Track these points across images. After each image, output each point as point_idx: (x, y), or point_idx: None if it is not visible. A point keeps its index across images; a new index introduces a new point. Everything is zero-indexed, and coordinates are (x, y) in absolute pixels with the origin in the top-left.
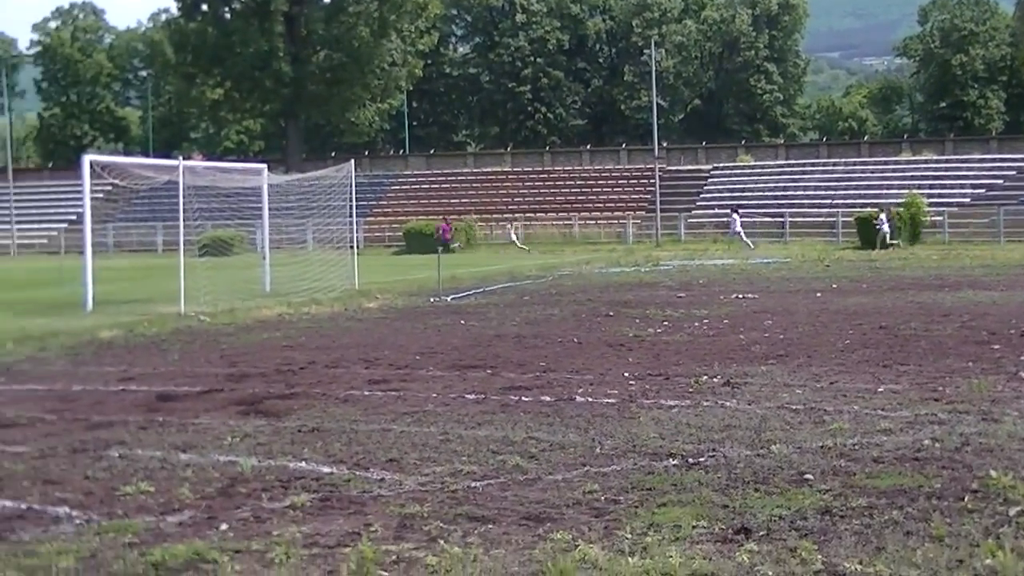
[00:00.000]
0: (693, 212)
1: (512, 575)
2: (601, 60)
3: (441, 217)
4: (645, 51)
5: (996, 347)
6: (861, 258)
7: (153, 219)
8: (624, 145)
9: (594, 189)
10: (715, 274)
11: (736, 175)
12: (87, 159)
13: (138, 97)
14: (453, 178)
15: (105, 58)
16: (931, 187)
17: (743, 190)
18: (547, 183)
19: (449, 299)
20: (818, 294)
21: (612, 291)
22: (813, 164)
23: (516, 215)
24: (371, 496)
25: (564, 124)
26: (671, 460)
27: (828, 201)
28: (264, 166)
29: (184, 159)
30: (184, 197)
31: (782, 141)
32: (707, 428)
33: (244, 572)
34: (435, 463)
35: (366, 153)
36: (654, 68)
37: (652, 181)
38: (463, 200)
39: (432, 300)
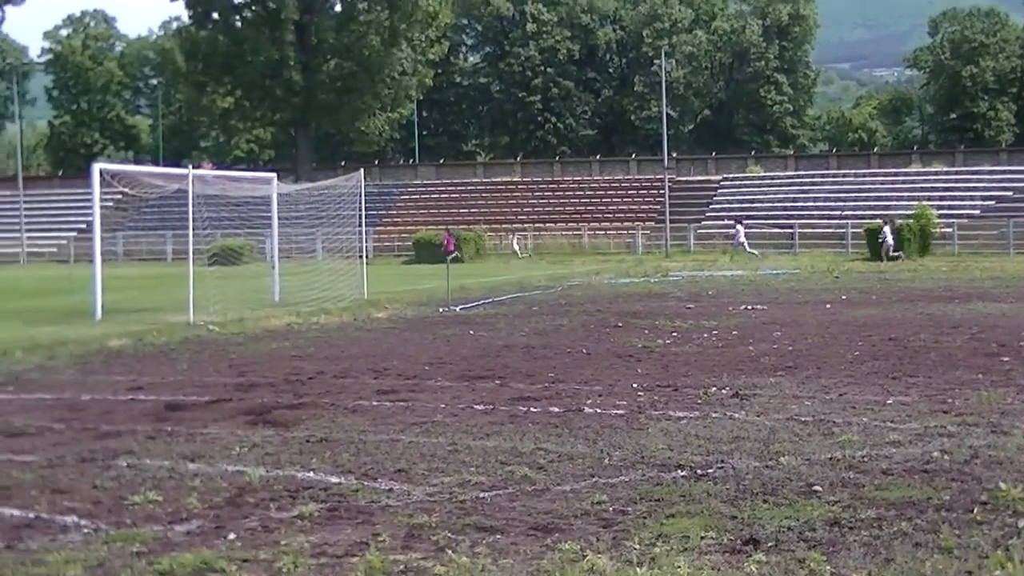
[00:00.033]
0: (703, 223)
1: None
2: (611, 70)
3: (444, 228)
4: (655, 61)
5: (1006, 359)
6: (870, 269)
7: (163, 228)
8: (634, 155)
9: (603, 199)
10: (724, 285)
11: (746, 186)
12: (97, 167)
13: (148, 105)
14: (463, 188)
15: (116, 66)
16: (941, 199)
17: (753, 201)
18: (557, 193)
19: (458, 309)
20: (827, 305)
21: (621, 302)
22: (823, 175)
23: (525, 225)
24: (379, 506)
25: (574, 134)
26: (680, 471)
27: (837, 212)
28: (274, 175)
29: (194, 168)
30: (194, 206)
31: (792, 152)
32: (716, 439)
33: None
34: (443, 473)
35: (376, 162)
36: (664, 78)
37: (662, 191)
38: (472, 210)
39: (441, 310)
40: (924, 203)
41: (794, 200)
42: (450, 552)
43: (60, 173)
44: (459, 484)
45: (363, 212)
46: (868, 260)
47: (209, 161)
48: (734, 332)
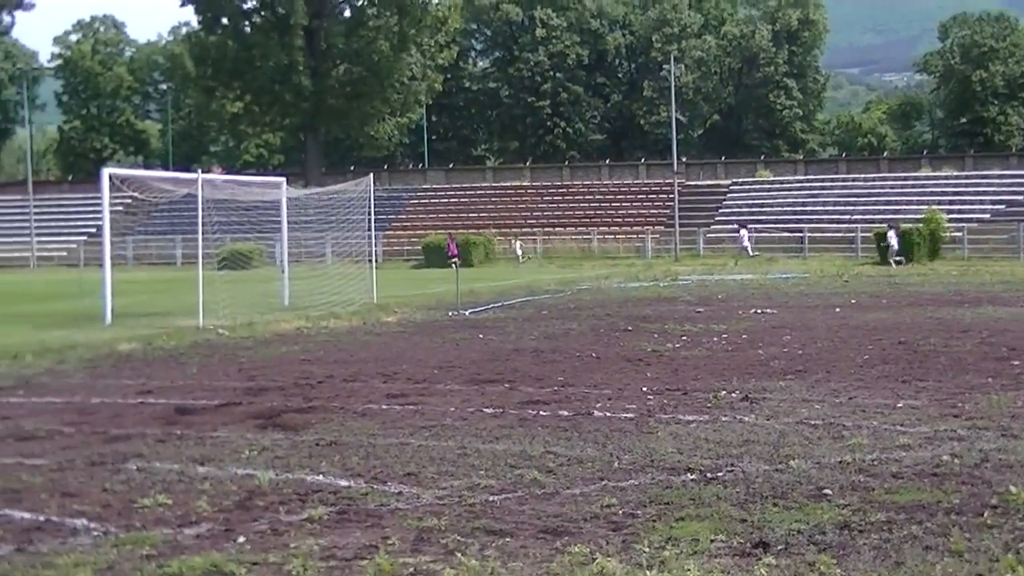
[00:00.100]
0: (712, 227)
1: None
2: (620, 75)
3: (447, 233)
4: (664, 66)
5: (1016, 363)
6: (880, 273)
7: (172, 232)
8: (643, 160)
9: (613, 204)
10: (734, 289)
11: (755, 190)
12: (106, 172)
13: (158, 110)
14: (472, 192)
15: (125, 71)
16: (951, 203)
17: (762, 205)
18: (566, 198)
19: (467, 313)
20: (837, 309)
21: (630, 306)
22: (832, 180)
23: (535, 229)
24: (389, 509)
25: (583, 139)
26: (689, 475)
27: (847, 217)
28: (283, 180)
29: (203, 172)
30: (203, 210)
31: (801, 157)
32: (725, 443)
33: None
34: (453, 477)
35: (385, 167)
36: (673, 83)
37: (671, 196)
38: (482, 214)
39: (450, 314)
40: (934, 207)
41: (803, 205)
42: (459, 555)
43: (70, 178)
44: (468, 487)
45: (372, 216)
46: (878, 264)
47: (219, 166)
48: (744, 336)
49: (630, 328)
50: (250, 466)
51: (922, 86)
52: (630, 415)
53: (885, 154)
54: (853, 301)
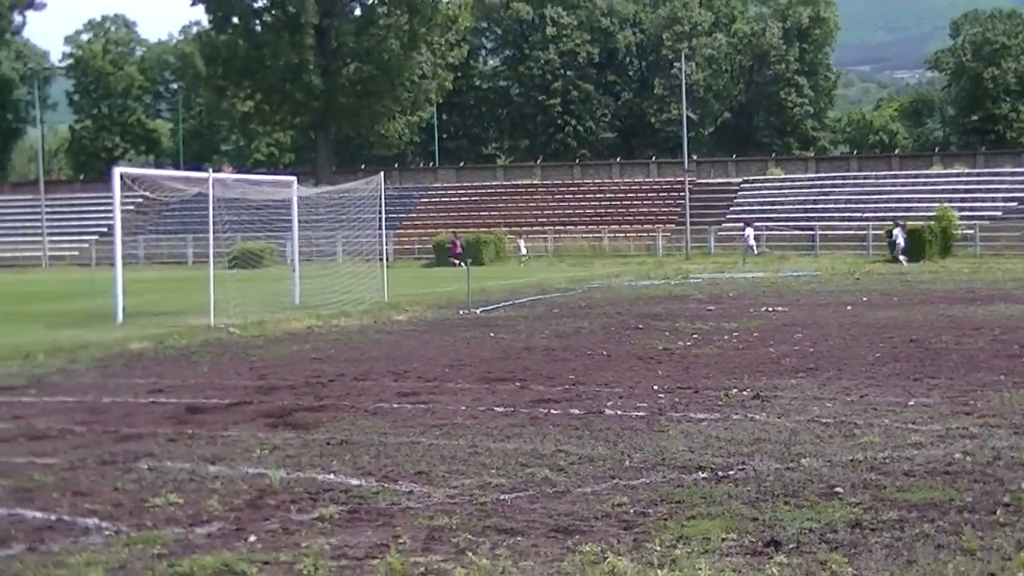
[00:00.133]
0: (723, 225)
1: None
2: (631, 73)
3: (451, 231)
4: (675, 64)
5: None
6: (891, 271)
7: (183, 231)
8: (654, 158)
9: (624, 202)
10: (745, 287)
11: (766, 188)
12: (117, 171)
13: (169, 109)
14: (483, 191)
15: (136, 71)
16: (962, 200)
17: (773, 203)
18: (577, 196)
19: (478, 312)
20: (848, 307)
21: (641, 304)
22: (844, 177)
23: (545, 228)
24: (399, 508)
25: (594, 137)
26: (700, 473)
27: (858, 214)
28: (294, 178)
29: (214, 171)
30: (214, 209)
31: (812, 154)
32: (737, 441)
33: None
34: (464, 475)
35: (396, 166)
36: (684, 81)
37: (682, 194)
38: (493, 213)
39: (461, 312)
40: (945, 205)
41: (815, 202)
42: (470, 554)
43: (81, 177)
44: (479, 486)
45: (383, 215)
46: (889, 262)
47: (229, 165)
48: (755, 334)
49: (641, 326)
50: (261, 465)
51: (933, 83)
52: (641, 413)
53: (896, 151)
54: (864, 299)
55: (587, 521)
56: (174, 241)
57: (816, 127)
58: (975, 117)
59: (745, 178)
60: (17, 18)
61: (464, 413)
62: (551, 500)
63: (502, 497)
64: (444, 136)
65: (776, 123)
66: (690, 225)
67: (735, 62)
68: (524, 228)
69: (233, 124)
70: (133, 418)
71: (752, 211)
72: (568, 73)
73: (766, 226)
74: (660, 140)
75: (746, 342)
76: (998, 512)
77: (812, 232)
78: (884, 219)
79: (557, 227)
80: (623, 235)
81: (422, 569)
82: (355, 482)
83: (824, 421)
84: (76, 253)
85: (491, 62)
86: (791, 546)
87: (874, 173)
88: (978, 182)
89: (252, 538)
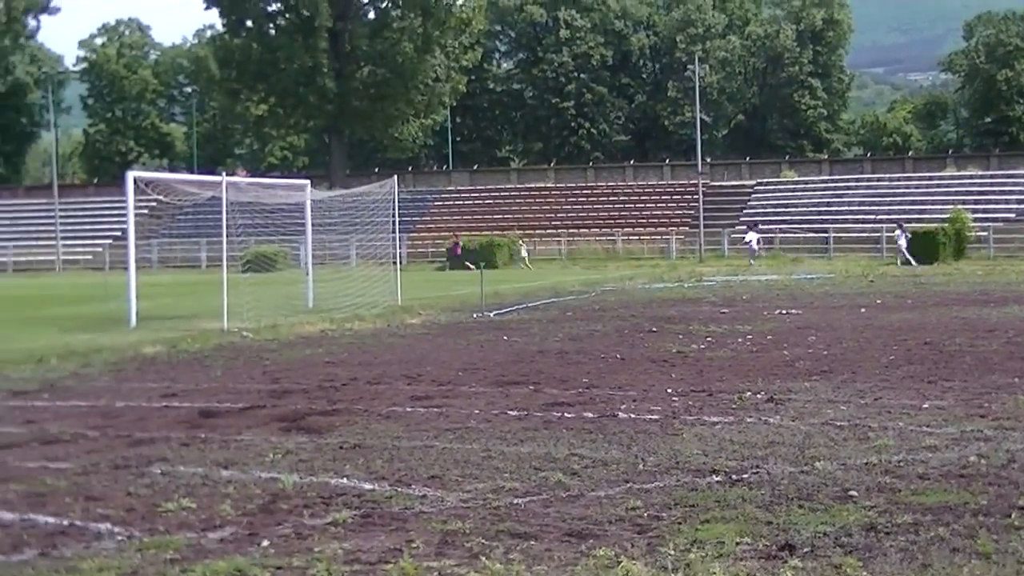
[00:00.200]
0: (737, 228)
1: None
2: (645, 76)
3: (452, 233)
4: (689, 67)
5: None
6: (905, 273)
7: (197, 235)
8: (668, 161)
9: (637, 205)
10: (759, 290)
11: (780, 191)
12: (131, 175)
13: (183, 113)
14: (496, 194)
15: (150, 74)
16: (976, 202)
17: (787, 206)
18: (590, 199)
19: (492, 315)
20: (862, 310)
21: (655, 307)
22: (857, 179)
23: (559, 231)
24: (413, 512)
25: (607, 140)
26: (714, 476)
27: (872, 216)
28: (307, 182)
29: (227, 175)
30: (227, 213)
31: (826, 156)
32: (751, 444)
33: None
34: (477, 480)
35: (409, 169)
36: (698, 84)
37: (696, 197)
38: (506, 216)
39: (475, 316)
40: (959, 207)
41: (828, 204)
42: (484, 559)
43: (95, 181)
44: (493, 490)
45: (397, 218)
46: (905, 264)
47: (243, 168)
48: (769, 337)
49: (655, 329)
50: (274, 469)
51: (947, 85)
52: (655, 417)
53: (910, 154)
54: (878, 301)
55: (601, 525)
56: (187, 245)
57: (829, 129)
58: (988, 119)
59: (758, 180)
60: (31, 22)
61: (478, 417)
62: (565, 504)
63: (516, 501)
64: (458, 139)
65: (789, 125)
66: (704, 228)
67: (749, 64)
68: (538, 231)
69: (247, 128)
70: (146, 422)
71: (766, 213)
72: (582, 76)
73: (780, 228)
74: (674, 143)
75: (760, 345)
76: (1013, 515)
77: (825, 234)
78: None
79: (571, 230)
80: (637, 238)
81: (435, 574)
82: (368, 486)
83: (838, 424)
84: (90, 257)
85: (505, 65)
86: (805, 550)
87: (887, 175)
88: (992, 184)
89: (265, 543)
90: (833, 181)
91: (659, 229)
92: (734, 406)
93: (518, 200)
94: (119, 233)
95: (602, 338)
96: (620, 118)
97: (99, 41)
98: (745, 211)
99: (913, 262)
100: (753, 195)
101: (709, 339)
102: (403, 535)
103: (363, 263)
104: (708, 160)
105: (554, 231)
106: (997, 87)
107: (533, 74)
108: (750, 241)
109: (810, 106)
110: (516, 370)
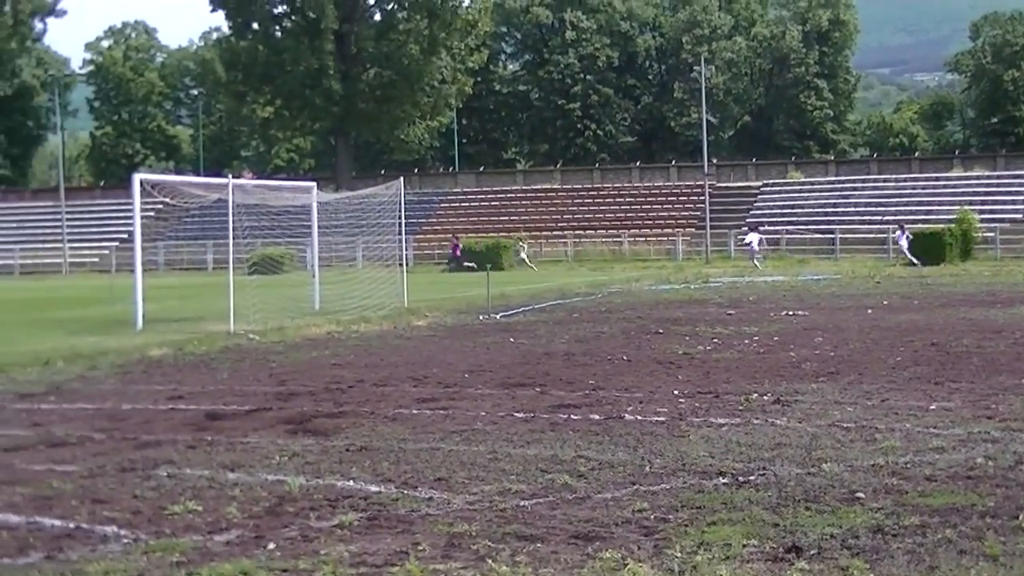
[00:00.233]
0: (743, 229)
1: None
2: (651, 77)
3: (452, 235)
4: (695, 68)
5: None
6: (912, 274)
7: (203, 237)
8: (674, 162)
9: (644, 206)
10: (765, 291)
11: (786, 191)
12: (137, 178)
13: (189, 115)
14: (503, 195)
15: (157, 77)
16: (982, 203)
17: (793, 207)
18: (596, 200)
19: (498, 317)
20: (869, 311)
21: (661, 308)
22: (864, 180)
23: (566, 232)
24: (419, 515)
25: (614, 141)
26: (721, 478)
27: (879, 217)
28: (313, 184)
29: (234, 177)
30: (234, 215)
31: (832, 157)
32: (757, 446)
33: None
34: (484, 482)
35: (416, 171)
36: (704, 85)
37: (702, 198)
38: (513, 217)
39: (481, 318)
40: (966, 208)
41: (835, 205)
42: (490, 561)
43: (101, 184)
44: (499, 492)
45: (403, 220)
46: (908, 265)
47: (249, 171)
48: (775, 338)
49: (661, 331)
50: (280, 472)
51: (953, 86)
52: (661, 418)
53: (916, 154)
54: (885, 302)
55: (607, 527)
56: (194, 247)
57: (836, 130)
58: (995, 119)
59: (765, 181)
60: (38, 25)
61: (484, 419)
62: (571, 506)
63: (522, 503)
64: (464, 141)
65: (796, 126)
66: (710, 229)
67: (755, 65)
68: (544, 232)
69: (253, 130)
70: (152, 425)
71: (772, 215)
72: (588, 77)
73: (786, 229)
74: (680, 144)
75: (766, 346)
76: (1021, 517)
77: (832, 235)
78: (905, 222)
79: (577, 231)
80: (643, 239)
81: None
82: (375, 489)
83: (845, 426)
84: (96, 259)
85: (511, 67)
86: (812, 552)
87: (894, 176)
88: (998, 184)
89: (271, 546)
90: (839, 182)
91: (665, 230)
92: (741, 408)
93: (524, 202)
94: (125, 235)
95: (608, 340)
96: (626, 119)
97: (105, 44)
98: (752, 212)
99: (916, 262)
100: (759, 196)
101: (715, 340)
102: (409, 537)
103: (369, 265)
104: (714, 161)
105: (560, 232)
106: (1004, 87)
107: (539, 76)
108: (750, 243)
109: (816, 107)
110: (522, 372)
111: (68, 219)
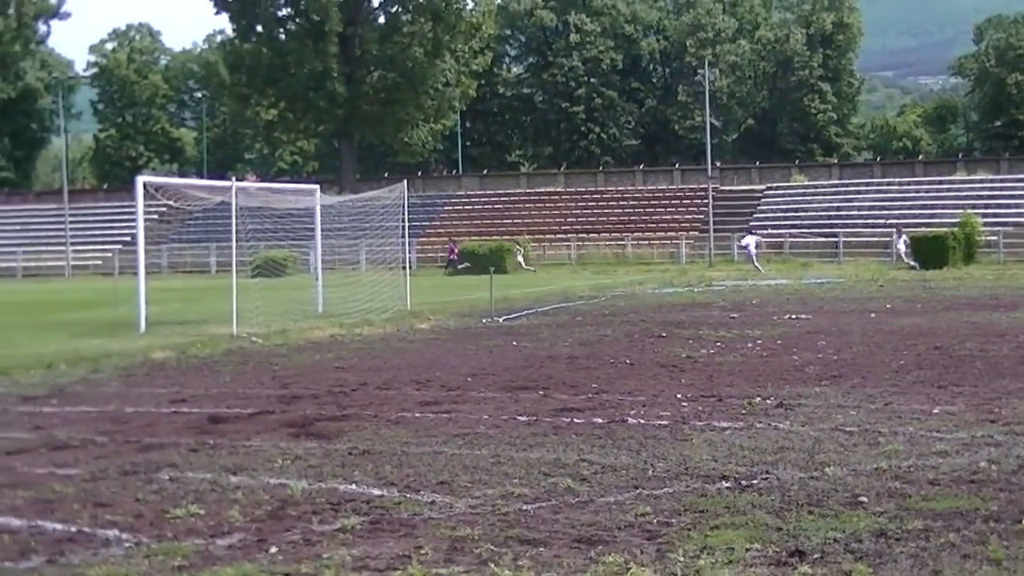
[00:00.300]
0: (754, 232)
1: None
2: (655, 80)
3: (449, 239)
4: (699, 71)
5: None
6: (915, 278)
7: (206, 240)
8: (677, 165)
9: (647, 209)
10: (768, 294)
11: (790, 195)
12: (140, 180)
13: (193, 118)
14: (506, 198)
15: (161, 79)
16: (986, 207)
17: (797, 210)
18: (600, 203)
19: (501, 320)
20: (872, 314)
21: (665, 312)
22: (867, 184)
23: (569, 235)
24: (422, 519)
25: (617, 144)
26: (724, 482)
27: (882, 221)
28: (317, 187)
29: (237, 180)
30: (237, 218)
31: (836, 161)
32: (760, 450)
33: None
34: (486, 485)
35: (419, 173)
36: (708, 88)
37: (705, 201)
38: (516, 220)
39: (484, 321)
40: (969, 211)
41: (838, 209)
42: (493, 565)
43: (105, 186)
44: (502, 496)
45: (406, 223)
46: (912, 269)
47: (253, 173)
48: (778, 342)
49: (664, 334)
50: (283, 475)
51: (957, 89)
52: (664, 422)
53: (920, 158)
54: (888, 306)
55: (610, 531)
56: (197, 250)
57: (839, 133)
58: (999, 123)
59: (768, 185)
60: (42, 27)
61: (487, 422)
62: (574, 510)
63: (525, 507)
64: (468, 144)
65: (799, 129)
66: (713, 232)
67: (759, 68)
68: (547, 236)
69: (257, 132)
70: (155, 428)
71: (775, 218)
72: (592, 80)
73: (789, 233)
74: (684, 147)
75: (770, 350)
76: None
77: (835, 239)
78: (908, 225)
79: (580, 234)
80: (646, 242)
81: None
82: (377, 492)
83: (848, 429)
84: (99, 262)
85: (515, 69)
86: (815, 556)
87: (897, 179)
88: (1002, 188)
89: (273, 549)
90: (843, 185)
91: (669, 234)
92: (744, 411)
93: (528, 205)
94: (129, 238)
95: (611, 343)
96: (630, 122)
97: (109, 46)
98: (755, 215)
99: (915, 265)
100: (763, 199)
101: (719, 344)
102: (412, 541)
103: (373, 268)
104: (718, 164)
105: (564, 236)
106: (1007, 91)
107: (543, 78)
108: (747, 245)
109: (820, 110)
110: (525, 375)
111: (71, 222)
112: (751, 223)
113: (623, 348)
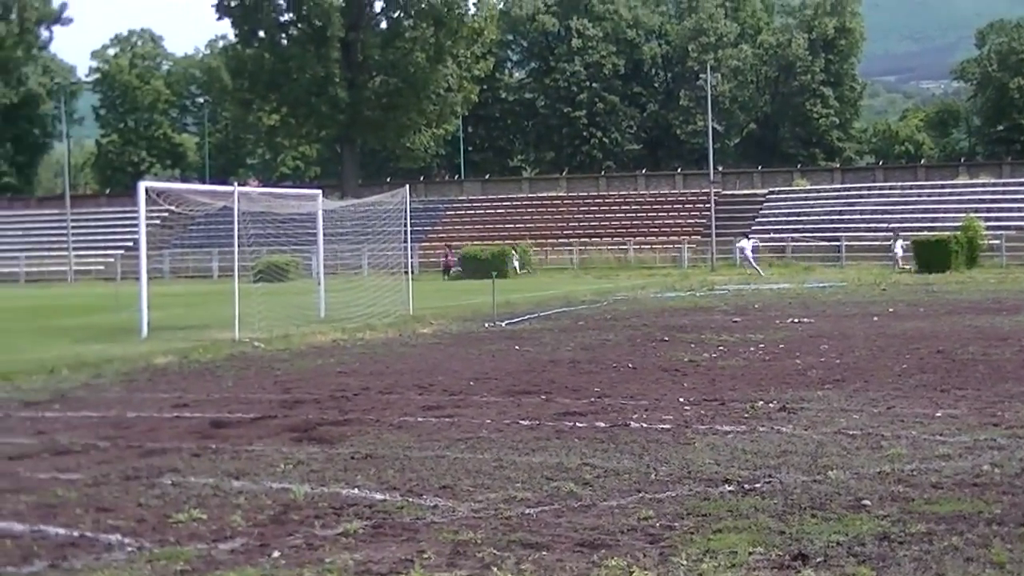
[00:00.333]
0: (749, 237)
1: None
2: (657, 85)
3: (445, 244)
4: (701, 76)
5: None
6: (918, 282)
7: (208, 245)
8: (679, 170)
9: (649, 214)
10: (771, 298)
11: (792, 199)
12: (143, 186)
13: (195, 123)
14: (508, 203)
15: (163, 84)
16: (988, 211)
17: (799, 214)
18: (602, 208)
19: (504, 324)
20: (875, 318)
21: (667, 316)
22: (869, 188)
23: (571, 240)
24: (424, 523)
25: (619, 149)
26: (727, 486)
27: (884, 225)
28: (319, 192)
29: (239, 185)
30: (239, 223)
31: (838, 165)
32: (763, 454)
33: None
34: (489, 489)
35: (421, 178)
36: (710, 92)
37: (707, 205)
38: (518, 225)
39: (487, 325)
40: (972, 215)
41: (840, 213)
42: (495, 569)
43: (107, 191)
44: (505, 500)
45: (408, 228)
46: (915, 272)
47: (255, 178)
48: (781, 345)
49: (667, 338)
50: (285, 480)
51: (959, 93)
52: (667, 426)
53: (922, 162)
54: (891, 310)
55: (613, 535)
56: (199, 255)
57: (842, 138)
58: (1001, 127)
59: (771, 189)
60: (44, 33)
61: (489, 426)
62: (576, 514)
63: (527, 511)
64: (470, 149)
65: (801, 134)
66: (716, 236)
67: (761, 73)
68: (549, 240)
69: (259, 137)
70: (157, 433)
71: (778, 222)
72: (594, 85)
73: (792, 237)
74: (686, 151)
75: (772, 354)
76: None
77: (837, 243)
78: (910, 229)
79: (583, 239)
80: (648, 247)
81: None
82: (379, 497)
83: (851, 433)
84: (102, 267)
85: (517, 74)
86: (819, 560)
87: (900, 184)
88: (1004, 192)
89: (276, 554)
90: (845, 189)
91: (671, 238)
92: (746, 415)
93: (530, 209)
94: (131, 243)
95: (614, 347)
96: (632, 127)
97: (112, 52)
98: (757, 220)
99: (909, 268)
100: (765, 204)
101: (721, 348)
102: (414, 545)
103: (375, 273)
104: (720, 169)
105: (566, 240)
106: (1009, 95)
107: (545, 83)
108: (743, 248)
109: (822, 115)
110: (528, 380)
111: (73, 227)
112: (751, 227)
113: (625, 352)
